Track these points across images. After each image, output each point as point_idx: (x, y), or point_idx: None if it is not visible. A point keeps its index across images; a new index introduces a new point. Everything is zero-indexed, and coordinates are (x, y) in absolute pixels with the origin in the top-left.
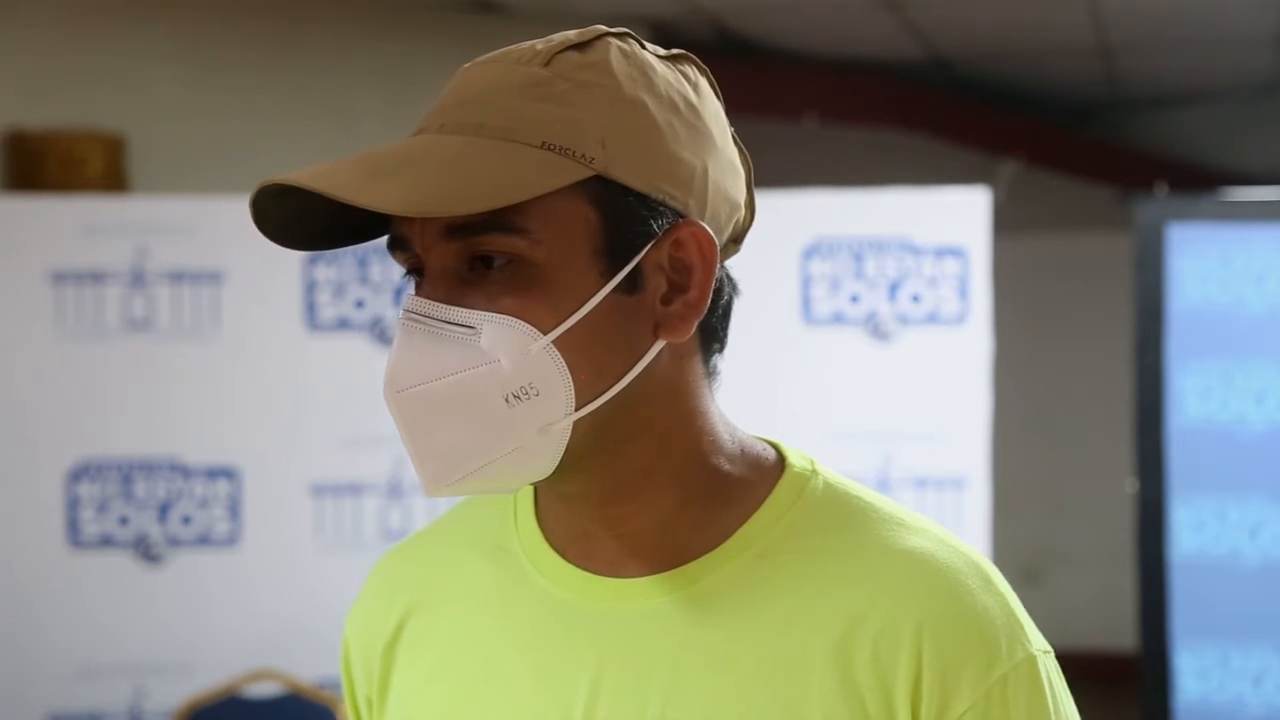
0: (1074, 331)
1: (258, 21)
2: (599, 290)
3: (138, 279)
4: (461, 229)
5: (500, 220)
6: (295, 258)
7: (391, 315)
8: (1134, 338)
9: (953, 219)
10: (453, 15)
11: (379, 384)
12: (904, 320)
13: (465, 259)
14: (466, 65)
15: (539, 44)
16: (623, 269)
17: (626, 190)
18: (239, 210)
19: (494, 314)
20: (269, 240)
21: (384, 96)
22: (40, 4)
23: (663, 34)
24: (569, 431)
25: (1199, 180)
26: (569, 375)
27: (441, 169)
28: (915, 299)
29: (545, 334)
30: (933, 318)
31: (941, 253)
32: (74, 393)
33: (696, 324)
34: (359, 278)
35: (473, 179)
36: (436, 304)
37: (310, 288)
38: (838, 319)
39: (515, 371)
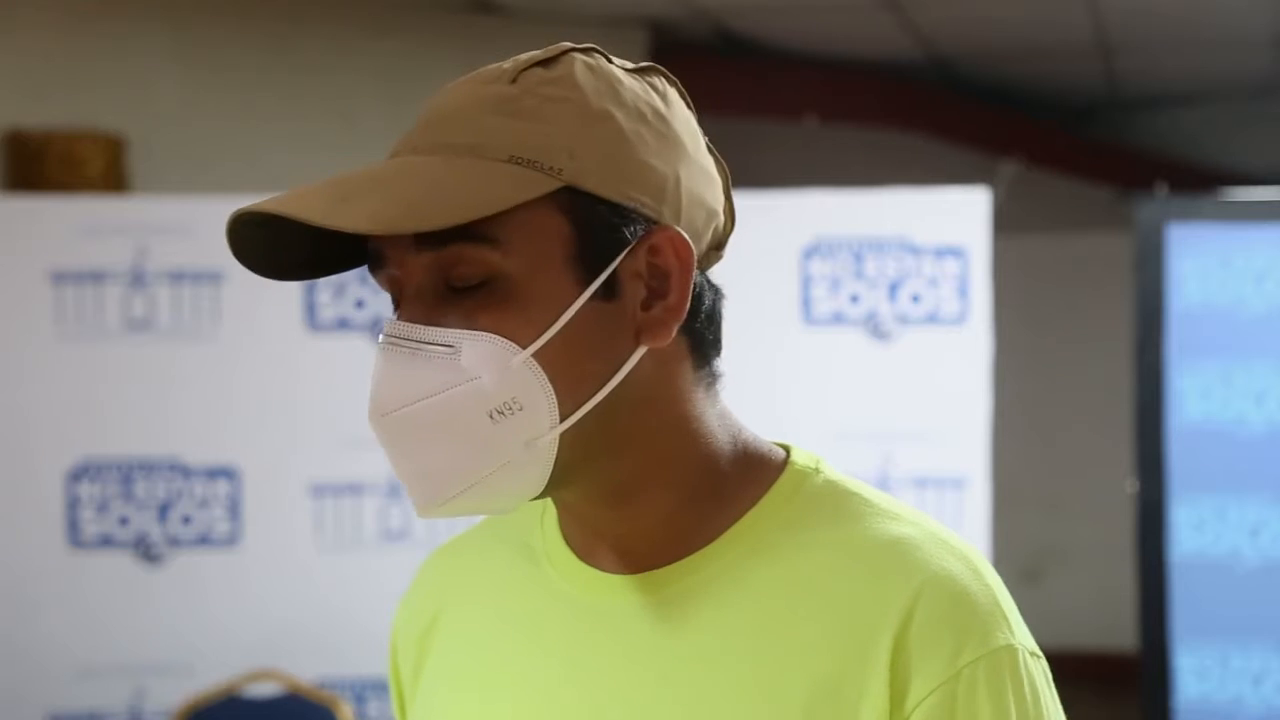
0: (1074, 331)
1: (258, 21)
2: (575, 300)
3: (138, 279)
4: (431, 239)
5: (470, 230)
6: None
7: (391, 316)
8: (1134, 338)
9: (953, 219)
10: (453, 15)
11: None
12: (904, 320)
13: (440, 277)
14: (442, 89)
15: (506, 63)
16: (598, 277)
17: (597, 200)
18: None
19: (471, 331)
20: (250, 271)
21: (384, 96)
22: (40, 4)
23: (663, 34)
24: (556, 444)
25: (1199, 180)
26: (550, 387)
27: (409, 187)
28: (915, 299)
29: (524, 348)
30: (933, 318)
31: (941, 253)
32: (74, 393)
33: (677, 328)
34: (359, 278)
35: (440, 194)
36: (414, 325)
37: (310, 288)
38: (838, 319)
39: (497, 388)
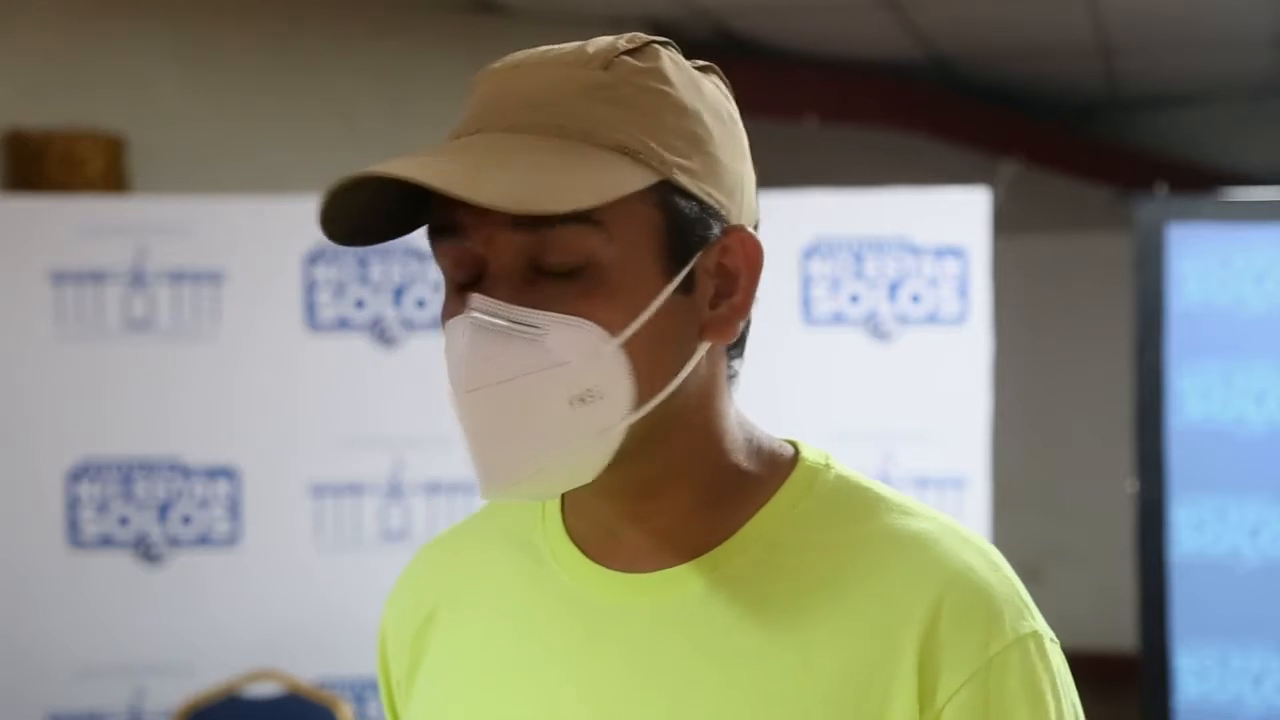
0: (1074, 331)
1: (258, 21)
2: (662, 292)
3: (138, 279)
4: (535, 220)
5: (581, 213)
6: (295, 258)
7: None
8: (1134, 338)
9: (953, 219)
10: (453, 15)
11: (379, 384)
12: (904, 320)
13: (530, 259)
14: (505, 65)
15: (588, 47)
16: (681, 271)
17: (687, 194)
18: (239, 210)
19: (565, 315)
20: (332, 240)
21: (384, 96)
22: (40, 4)
23: (663, 34)
24: (624, 434)
25: (1199, 180)
26: (633, 378)
27: (536, 168)
28: (915, 299)
29: (615, 335)
30: (933, 318)
31: (941, 253)
32: (74, 393)
33: (741, 327)
34: (359, 278)
35: (568, 178)
36: (505, 304)
37: (310, 288)
38: (838, 319)
39: (583, 374)
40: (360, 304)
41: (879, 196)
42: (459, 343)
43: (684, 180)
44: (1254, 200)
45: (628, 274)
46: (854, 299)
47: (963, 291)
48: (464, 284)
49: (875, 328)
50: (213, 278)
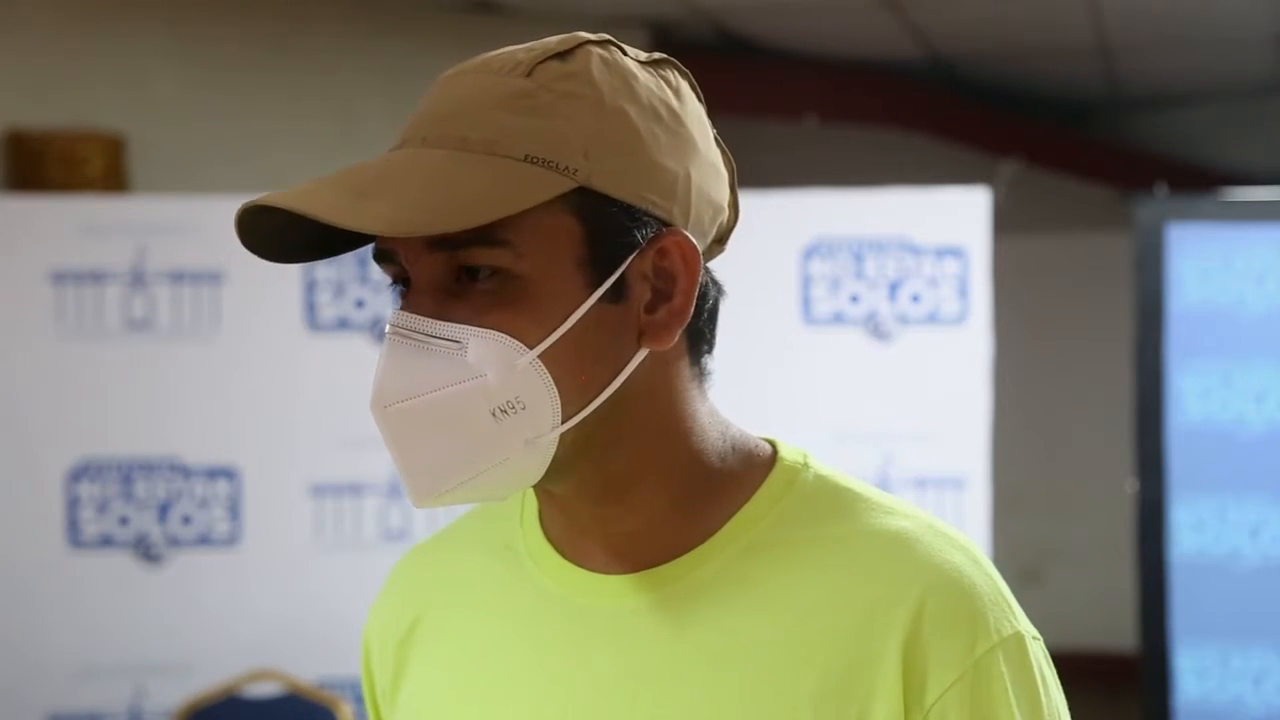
0: (1074, 331)
1: (258, 21)
2: (584, 302)
3: (138, 279)
4: (445, 242)
5: (484, 234)
6: None
7: (391, 315)
8: (1134, 338)
9: (953, 219)
10: (453, 15)
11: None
12: (904, 320)
13: (451, 270)
14: (448, 73)
15: (520, 53)
16: (607, 279)
17: (610, 201)
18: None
19: (479, 329)
20: (255, 256)
21: (384, 96)
22: (40, 4)
23: (663, 34)
24: (556, 443)
25: (1199, 180)
26: (555, 389)
27: (425, 186)
28: (915, 299)
29: (531, 348)
30: (933, 318)
31: (941, 253)
32: (74, 393)
33: (680, 331)
34: (359, 278)
35: (456, 196)
36: (422, 318)
37: (310, 288)
38: (838, 319)
39: (501, 386)
40: (360, 304)
41: (879, 196)
42: (380, 356)
43: (604, 185)
44: (1254, 200)
45: (543, 285)
46: (854, 299)
47: (963, 291)
48: (402, 288)
49: (875, 328)
50: (213, 278)
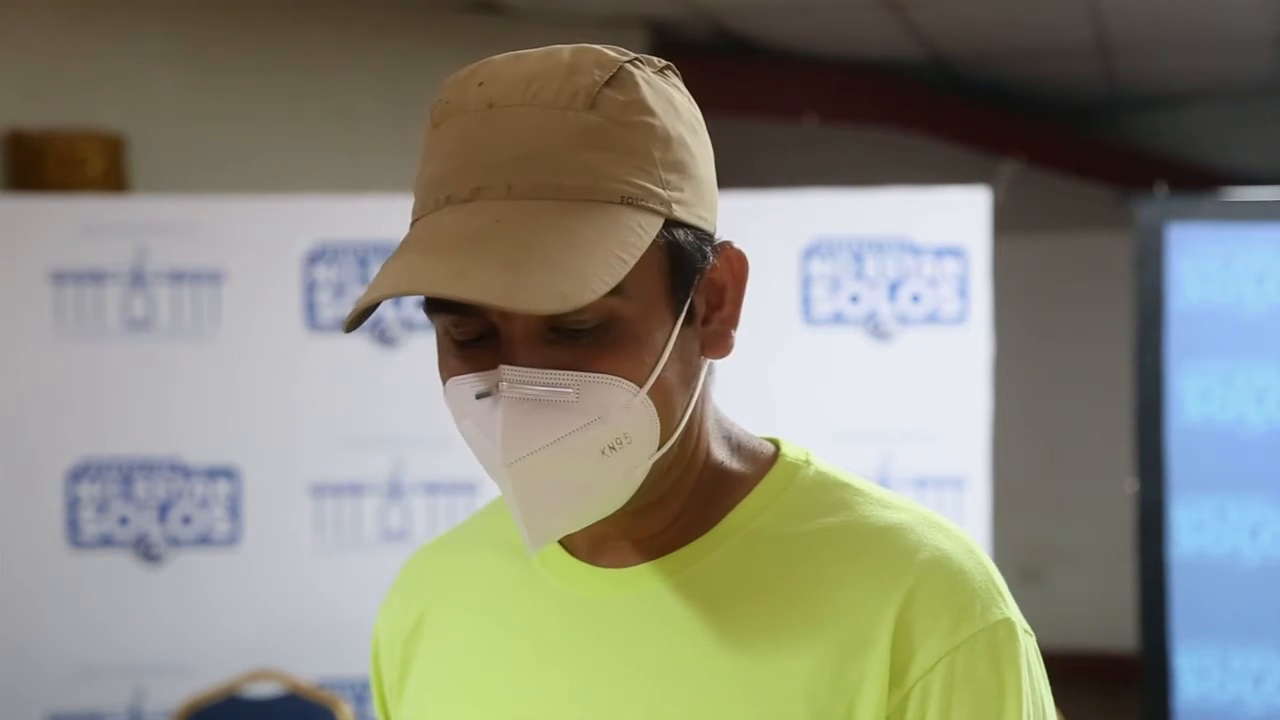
0: (1074, 331)
1: (258, 21)
2: (674, 331)
3: (138, 279)
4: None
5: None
6: (295, 258)
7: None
8: (1134, 338)
9: (953, 219)
10: (453, 15)
11: (379, 384)
12: (904, 320)
13: (545, 320)
14: (476, 102)
15: (563, 81)
16: (685, 303)
17: (685, 227)
18: (239, 210)
19: (594, 374)
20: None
21: (385, 96)
22: (40, 4)
23: (663, 34)
24: (648, 470)
25: (1199, 180)
26: (658, 419)
27: (567, 251)
28: (915, 299)
29: (640, 386)
30: (933, 317)
31: (941, 253)
32: (74, 393)
33: (735, 337)
34: (359, 278)
35: (597, 256)
36: (536, 370)
37: (310, 288)
38: (838, 319)
39: (615, 426)
40: None
41: (879, 196)
42: (494, 415)
43: (680, 213)
44: (1254, 200)
45: (646, 324)
46: (854, 299)
47: (963, 291)
48: (465, 341)
49: (875, 328)
50: (213, 278)
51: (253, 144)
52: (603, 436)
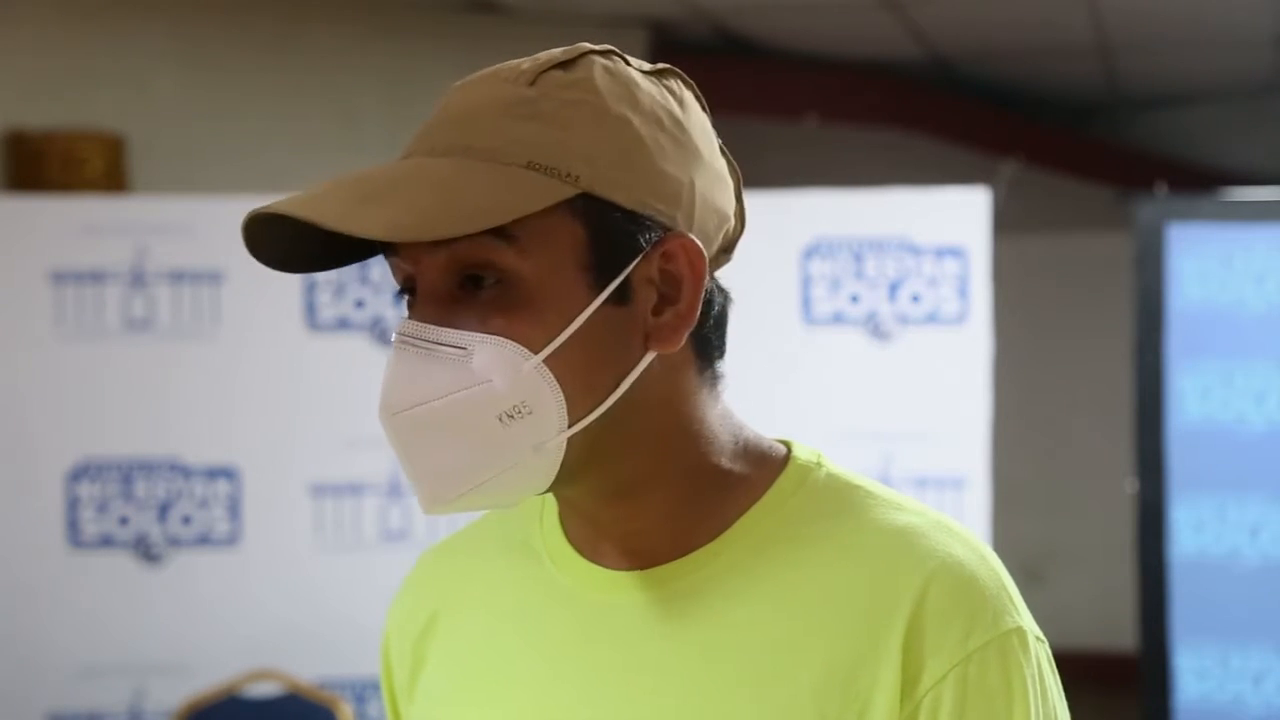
0: (1074, 331)
1: (258, 21)
2: (588, 306)
3: (138, 279)
4: (448, 239)
5: (488, 231)
6: None
7: (392, 315)
8: (1134, 338)
9: (953, 219)
10: (453, 15)
11: (378, 384)
12: (904, 320)
13: (455, 276)
14: (457, 84)
15: (525, 63)
16: (611, 283)
17: (613, 206)
18: (239, 210)
19: (484, 334)
20: (267, 267)
21: (384, 96)
22: (40, 4)
23: (662, 34)
24: (564, 448)
25: (1199, 180)
26: (560, 393)
27: (428, 192)
28: (915, 299)
29: (535, 353)
30: (933, 318)
31: (941, 253)
32: (74, 393)
33: (687, 334)
34: (359, 278)
35: (458, 201)
36: (428, 325)
37: (310, 288)
38: (838, 319)
39: (508, 391)
40: (360, 304)
41: (879, 196)
42: (387, 364)
43: (606, 191)
44: (1254, 200)
45: (547, 290)
46: (854, 299)
47: (963, 291)
48: (402, 292)
49: (875, 328)
50: (213, 278)
51: (253, 144)
52: (496, 401)
